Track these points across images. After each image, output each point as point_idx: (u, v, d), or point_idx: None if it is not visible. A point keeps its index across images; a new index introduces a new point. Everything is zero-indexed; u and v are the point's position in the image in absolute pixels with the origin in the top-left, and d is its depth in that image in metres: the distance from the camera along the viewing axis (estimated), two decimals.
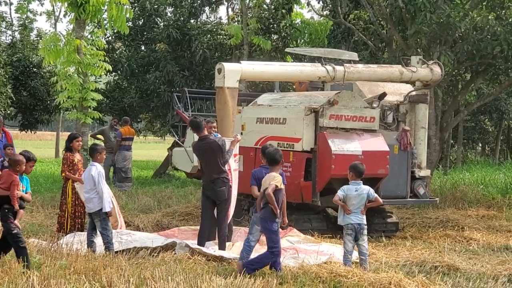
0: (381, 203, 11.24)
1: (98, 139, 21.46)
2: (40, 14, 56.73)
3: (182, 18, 29.91)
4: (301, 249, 11.60)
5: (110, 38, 30.20)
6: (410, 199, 15.04)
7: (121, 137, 20.96)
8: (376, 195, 10.86)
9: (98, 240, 11.20)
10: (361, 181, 10.72)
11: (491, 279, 10.16)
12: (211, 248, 11.62)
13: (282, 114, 14.39)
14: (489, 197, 19.34)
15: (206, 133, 12.03)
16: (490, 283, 9.85)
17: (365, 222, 10.75)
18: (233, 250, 11.81)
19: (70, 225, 12.94)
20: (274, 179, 9.95)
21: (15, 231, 9.44)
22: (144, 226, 14.18)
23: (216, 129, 13.13)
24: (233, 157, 12.40)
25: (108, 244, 10.97)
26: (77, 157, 12.98)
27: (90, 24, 19.47)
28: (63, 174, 13.21)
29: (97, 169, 11.16)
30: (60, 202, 13.36)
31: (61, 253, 9.78)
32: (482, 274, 10.49)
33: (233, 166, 12.37)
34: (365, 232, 10.76)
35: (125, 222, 13.75)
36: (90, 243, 11.12)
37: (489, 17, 19.66)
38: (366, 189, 10.69)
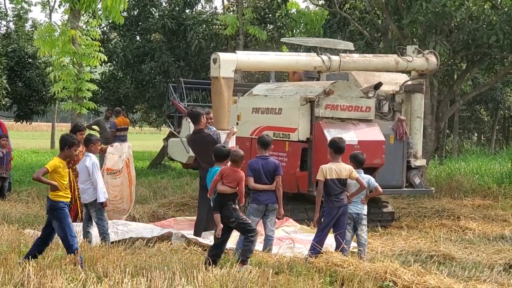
0: (381, 192, 11.23)
1: (93, 129, 21.41)
2: (35, 5, 56.26)
3: (177, 8, 29.82)
4: (297, 239, 11.63)
5: (105, 28, 30.12)
6: (406, 189, 15.08)
7: (116, 127, 20.93)
8: (376, 184, 10.87)
9: (94, 231, 11.20)
10: (362, 170, 10.72)
11: (487, 268, 10.16)
12: (207, 238, 11.63)
13: (277, 104, 14.39)
14: (484, 186, 19.36)
15: (202, 126, 12.03)
16: (485, 272, 9.85)
17: (365, 212, 10.74)
18: (229, 240, 11.82)
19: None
20: None
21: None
22: (140, 217, 14.18)
23: (212, 120, 13.14)
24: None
25: (104, 234, 10.97)
26: (79, 148, 12.89)
27: (85, 15, 19.41)
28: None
29: (91, 160, 11.13)
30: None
31: (57, 244, 9.77)
32: (477, 263, 10.51)
33: None
34: (365, 222, 10.75)
35: None
36: (86, 234, 11.11)
37: (485, 6, 19.68)
38: (367, 178, 10.69)
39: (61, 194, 9.32)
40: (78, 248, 9.21)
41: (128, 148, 13.46)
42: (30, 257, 8.93)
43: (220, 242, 9.65)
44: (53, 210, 9.33)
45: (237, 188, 9.57)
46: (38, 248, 9.33)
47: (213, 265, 9.08)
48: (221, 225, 9.51)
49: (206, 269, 8.73)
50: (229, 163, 9.84)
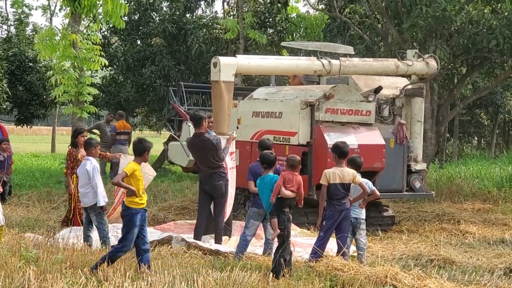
0: (379, 196, 11.27)
1: (94, 133, 21.42)
2: (36, 9, 56.58)
3: (177, 13, 29.83)
4: (297, 243, 11.62)
5: (106, 32, 30.13)
6: (406, 193, 15.08)
7: (116, 131, 20.97)
8: (374, 187, 10.89)
9: (94, 235, 11.20)
10: (359, 174, 10.73)
11: (487, 272, 10.18)
12: (207, 242, 11.63)
13: (278, 108, 14.39)
14: (484, 190, 19.35)
15: (203, 130, 12.04)
16: (485, 276, 9.86)
17: (363, 216, 10.76)
18: (229, 244, 11.84)
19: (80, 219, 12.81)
20: None
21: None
22: None
23: (212, 123, 13.14)
24: (229, 155, 12.38)
25: (104, 238, 10.98)
26: (82, 152, 12.82)
27: (85, 19, 19.43)
28: (65, 171, 13.19)
29: (91, 164, 11.15)
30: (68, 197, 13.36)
31: (57, 248, 9.78)
32: (477, 267, 10.52)
33: (230, 164, 12.34)
34: (363, 226, 10.77)
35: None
36: (87, 238, 11.12)
37: (485, 10, 19.67)
38: (364, 181, 10.69)
39: (136, 200, 9.23)
40: (120, 256, 9.25)
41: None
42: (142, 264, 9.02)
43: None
44: (125, 215, 9.28)
45: (298, 191, 9.70)
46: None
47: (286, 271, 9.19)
48: (278, 230, 9.56)
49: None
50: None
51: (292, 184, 9.65)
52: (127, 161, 13.14)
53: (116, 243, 10.99)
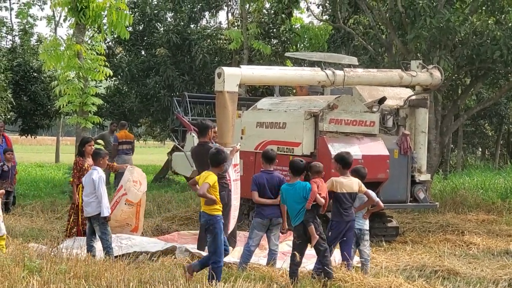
0: (382, 207, 11.24)
1: (98, 143, 21.45)
2: (40, 19, 56.56)
3: (182, 23, 29.94)
4: None
5: (110, 43, 30.19)
6: (410, 204, 15.05)
7: (117, 141, 21.05)
8: (377, 199, 10.87)
9: (98, 245, 11.19)
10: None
11: (491, 283, 10.16)
12: None
13: (282, 118, 14.39)
14: (489, 201, 19.34)
15: (207, 139, 12.07)
16: (490, 287, 9.85)
17: (367, 227, 10.75)
18: (233, 255, 11.80)
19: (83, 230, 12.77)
20: None
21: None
22: (144, 231, 14.14)
23: (216, 134, 13.14)
24: (232, 167, 12.36)
25: (107, 248, 10.95)
26: (88, 161, 12.82)
27: (90, 29, 19.45)
28: (72, 180, 13.19)
29: (98, 174, 11.17)
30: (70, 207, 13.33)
31: (61, 258, 9.77)
32: (482, 278, 10.49)
33: (233, 176, 12.30)
34: (367, 237, 10.75)
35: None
36: (90, 248, 11.10)
37: (489, 21, 19.71)
38: (368, 192, 10.69)
39: (217, 207, 9.48)
40: (222, 266, 9.46)
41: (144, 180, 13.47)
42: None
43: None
44: (209, 224, 9.45)
45: (326, 198, 9.88)
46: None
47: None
48: (317, 237, 9.63)
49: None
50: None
51: (323, 191, 9.80)
52: (134, 172, 13.19)
53: (120, 253, 11.01)
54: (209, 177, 9.45)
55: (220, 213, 9.54)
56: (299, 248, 9.75)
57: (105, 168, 12.03)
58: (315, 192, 9.65)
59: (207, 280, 8.88)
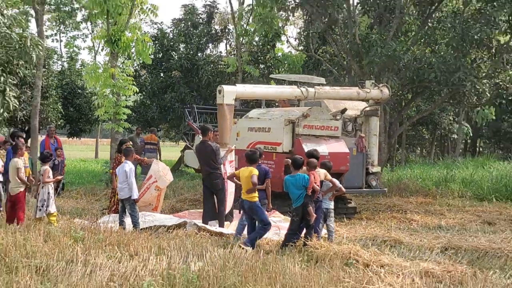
0: (344, 192, 11.23)
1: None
2: (83, 49, 56.69)
3: (191, 52, 29.93)
4: (282, 227, 11.57)
5: (137, 67, 30.16)
6: (365, 189, 15.06)
7: (144, 142, 21.08)
8: (340, 185, 10.87)
9: (128, 220, 11.17)
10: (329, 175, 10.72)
11: (428, 250, 10.17)
12: (214, 226, 11.60)
13: (267, 124, 14.38)
14: (425, 188, 19.36)
15: (207, 138, 12.09)
16: (427, 253, 9.86)
17: (332, 207, 10.73)
18: (230, 227, 11.82)
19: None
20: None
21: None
22: (163, 210, 14.13)
23: (217, 136, 13.14)
24: (228, 163, 12.38)
25: (135, 223, 10.95)
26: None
27: (121, 57, 19.43)
28: (111, 171, 13.16)
29: (129, 166, 11.17)
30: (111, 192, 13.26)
31: (99, 230, 9.76)
32: (420, 246, 10.49)
33: (229, 170, 12.31)
34: (332, 215, 10.74)
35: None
36: (121, 222, 11.09)
37: (426, 51, 19.74)
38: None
39: (255, 195, 9.96)
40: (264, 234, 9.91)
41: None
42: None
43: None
44: (252, 209, 9.92)
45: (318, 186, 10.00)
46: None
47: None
48: (315, 215, 9.81)
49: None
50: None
51: (317, 181, 9.87)
52: (158, 165, 13.10)
53: (144, 226, 10.97)
54: (254, 170, 9.91)
55: (257, 199, 9.91)
56: (296, 224, 9.75)
57: (136, 161, 12.00)
58: (313, 181, 9.68)
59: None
